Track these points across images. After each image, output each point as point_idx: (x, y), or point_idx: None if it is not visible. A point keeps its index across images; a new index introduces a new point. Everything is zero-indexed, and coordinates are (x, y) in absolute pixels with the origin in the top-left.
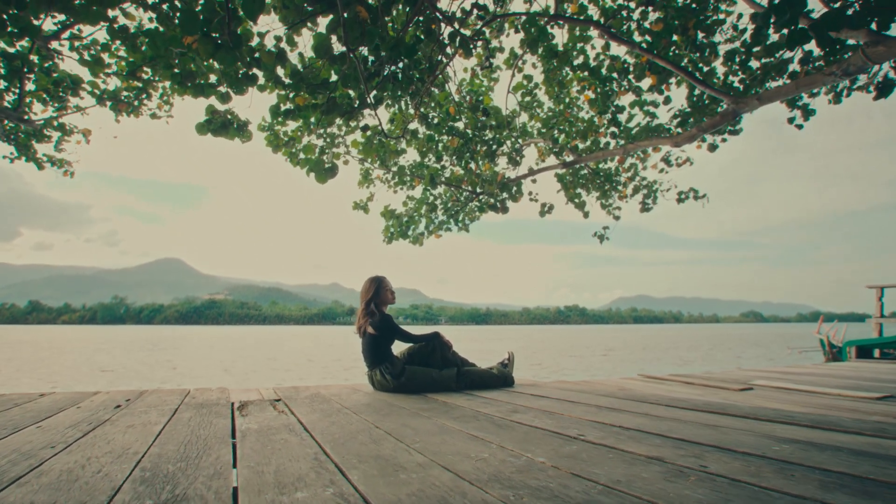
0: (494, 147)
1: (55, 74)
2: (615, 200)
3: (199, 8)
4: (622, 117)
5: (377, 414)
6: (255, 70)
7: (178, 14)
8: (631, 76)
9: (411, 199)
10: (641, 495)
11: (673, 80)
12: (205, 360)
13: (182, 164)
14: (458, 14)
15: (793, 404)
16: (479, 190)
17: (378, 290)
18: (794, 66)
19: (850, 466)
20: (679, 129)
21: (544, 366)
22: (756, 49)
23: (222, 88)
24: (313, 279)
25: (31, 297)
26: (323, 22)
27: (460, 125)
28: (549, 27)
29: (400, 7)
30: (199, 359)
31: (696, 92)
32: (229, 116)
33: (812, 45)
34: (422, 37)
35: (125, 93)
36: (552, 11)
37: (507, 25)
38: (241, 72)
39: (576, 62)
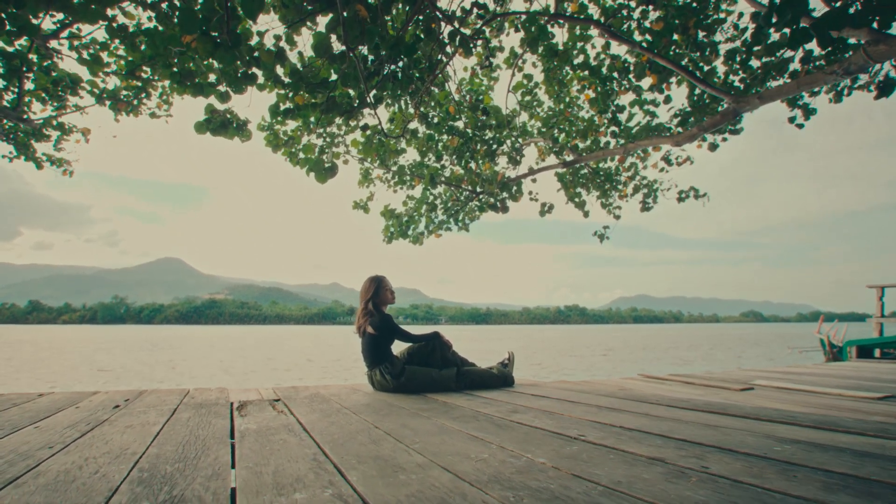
0: (494, 146)
1: (54, 73)
2: (615, 200)
3: (199, 7)
4: (622, 116)
5: (377, 414)
6: (254, 69)
7: (177, 13)
8: (631, 75)
9: (411, 199)
10: (643, 497)
11: (673, 79)
12: (204, 359)
13: (182, 164)
14: (458, 13)
15: (794, 404)
16: (479, 189)
17: (378, 290)
18: (795, 66)
19: (853, 468)
20: (680, 129)
21: (544, 366)
22: (757, 48)
23: (221, 87)
24: (313, 279)
25: (31, 297)
26: (322, 21)
27: (460, 124)
28: (549, 26)
29: (400, 6)
30: (198, 358)
31: (697, 91)
32: (228, 116)
33: (813, 45)
34: (422, 36)
35: (124, 92)
36: (552, 10)
37: (507, 24)
38: (240, 71)
39: (576, 61)
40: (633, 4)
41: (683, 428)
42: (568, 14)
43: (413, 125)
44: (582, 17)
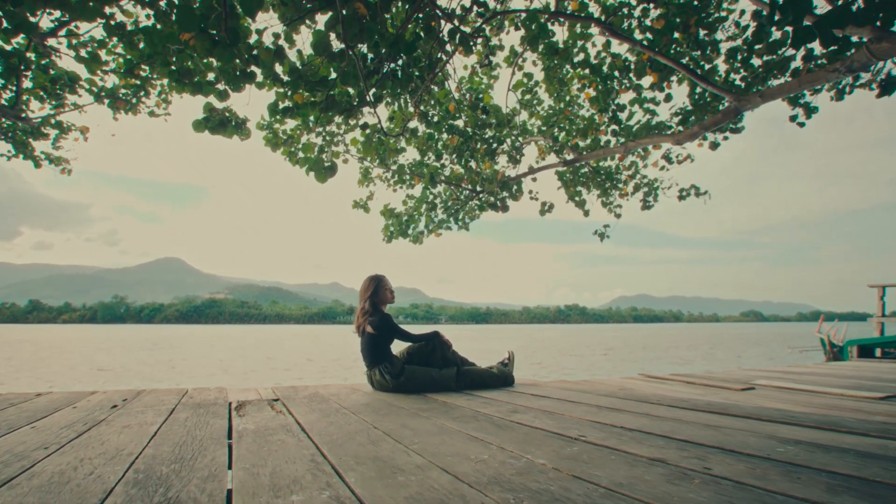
0: (494, 145)
1: (52, 72)
2: (616, 198)
3: (197, 4)
4: (623, 115)
5: (376, 414)
6: (253, 67)
7: (175, 11)
8: (632, 74)
9: (411, 198)
10: (645, 499)
11: (674, 77)
12: (204, 359)
13: (182, 163)
14: (458, 11)
15: (795, 404)
16: (479, 188)
17: (377, 289)
18: (797, 64)
19: (857, 469)
20: (680, 127)
21: (544, 365)
22: (758, 46)
23: (220, 86)
24: (313, 278)
25: (31, 297)
26: (322, 19)
27: (460, 123)
28: (549, 24)
29: (399, 4)
30: (198, 358)
31: (698, 89)
32: (227, 114)
33: (815, 43)
34: (421, 34)
35: (123, 90)
36: (553, 8)
37: (507, 23)
38: (238, 69)
39: (576, 60)
40: (633, 2)
41: (685, 428)
42: (568, 12)
43: (413, 124)
44: (582, 15)
